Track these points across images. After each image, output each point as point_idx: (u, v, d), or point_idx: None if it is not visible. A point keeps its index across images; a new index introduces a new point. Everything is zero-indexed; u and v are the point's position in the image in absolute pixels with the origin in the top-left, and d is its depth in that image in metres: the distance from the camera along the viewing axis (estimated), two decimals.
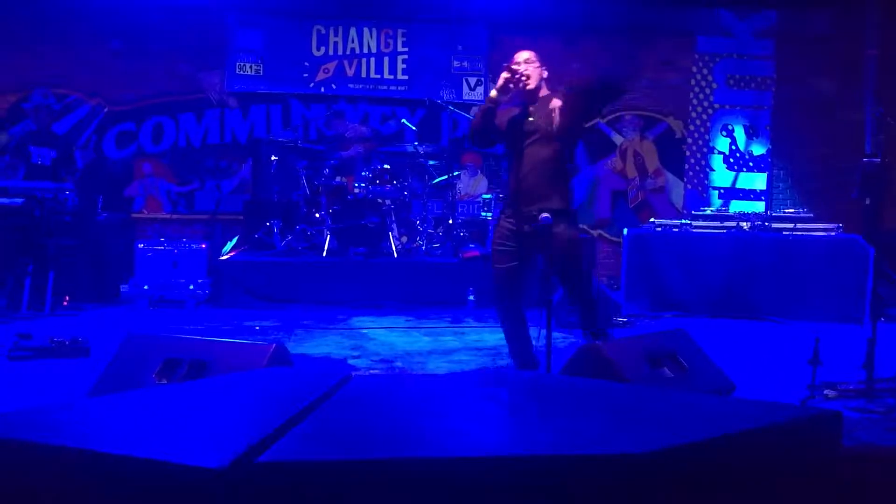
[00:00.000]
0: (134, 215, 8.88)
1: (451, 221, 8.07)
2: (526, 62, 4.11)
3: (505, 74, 4.00)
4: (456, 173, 8.41)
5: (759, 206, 9.15)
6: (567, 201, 4.04)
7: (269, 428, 1.73)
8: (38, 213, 6.55)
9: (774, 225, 6.98)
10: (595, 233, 9.45)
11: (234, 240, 8.13)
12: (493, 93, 4.03)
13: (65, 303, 6.57)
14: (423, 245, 7.77)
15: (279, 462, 1.53)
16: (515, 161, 4.06)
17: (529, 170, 4.00)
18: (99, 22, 8.78)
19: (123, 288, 7.15)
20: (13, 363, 4.48)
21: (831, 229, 6.87)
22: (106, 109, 8.98)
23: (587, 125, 4.24)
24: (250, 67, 9.18)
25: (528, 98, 4.13)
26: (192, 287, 6.99)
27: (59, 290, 6.49)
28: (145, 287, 6.96)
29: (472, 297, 6.95)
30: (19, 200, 6.55)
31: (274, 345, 3.19)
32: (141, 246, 7.19)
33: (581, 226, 9.27)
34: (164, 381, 3.12)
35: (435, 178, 8.19)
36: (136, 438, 1.78)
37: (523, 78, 4.01)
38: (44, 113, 8.86)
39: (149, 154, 9.13)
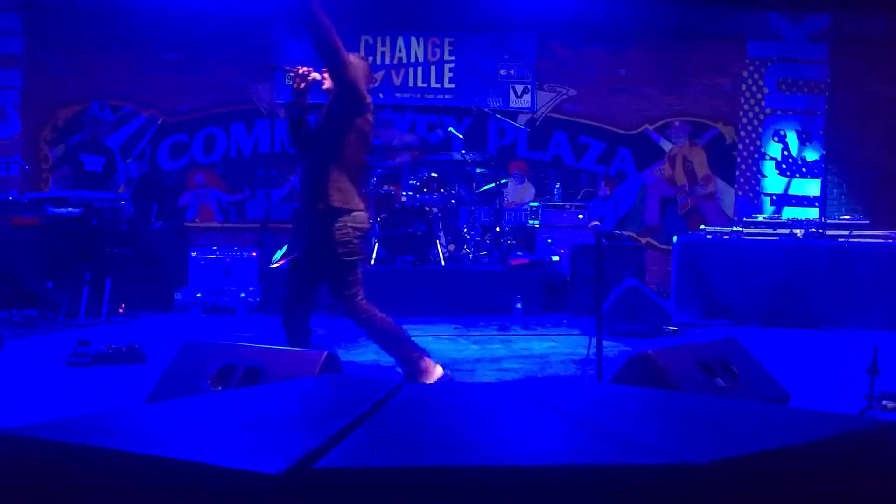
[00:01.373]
0: (187, 224, 9.06)
1: (498, 229, 8.07)
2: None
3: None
4: (503, 181, 8.42)
5: (812, 213, 9.00)
6: (327, 199, 3.83)
7: (325, 434, 1.75)
8: (95, 223, 6.72)
9: (829, 232, 6.84)
10: (643, 240, 9.36)
11: (284, 248, 8.23)
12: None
13: (121, 310, 6.73)
14: (470, 253, 7.79)
15: (336, 468, 1.54)
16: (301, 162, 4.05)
17: (303, 169, 3.99)
18: (154, 35, 9.01)
19: (177, 295, 7.30)
20: (72, 369, 4.59)
21: (888, 236, 6.71)
22: (160, 120, 9.19)
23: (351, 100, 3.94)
24: None
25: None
26: (243, 294, 7.11)
27: (116, 297, 6.65)
28: (198, 294, 7.10)
29: (519, 305, 6.93)
30: (77, 210, 6.73)
31: (325, 352, 3.22)
32: (194, 254, 7.34)
33: (628, 233, 9.23)
34: (219, 388, 3.17)
35: (482, 186, 8.21)
36: (194, 443, 1.81)
37: (308, 77, 3.91)
38: (98, 123, 9.10)
39: (201, 164, 9.31)
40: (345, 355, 5.07)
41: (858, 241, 6.71)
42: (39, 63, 8.93)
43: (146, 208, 7.99)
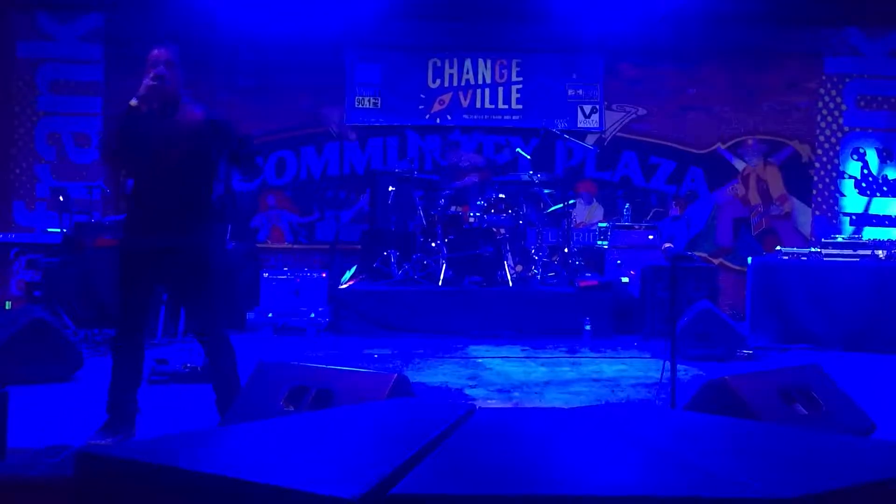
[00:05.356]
0: (259, 245, 9.23)
1: (566, 250, 8.01)
2: (168, 65, 3.74)
3: (150, 83, 3.64)
4: (571, 202, 8.36)
5: (895, 233, 8.66)
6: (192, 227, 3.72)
7: (399, 460, 1.75)
8: None
9: None
10: (716, 261, 9.15)
11: (353, 269, 8.33)
12: (134, 102, 3.64)
13: None
14: (538, 274, 7.74)
15: (412, 495, 1.54)
16: (149, 177, 3.70)
17: (164, 188, 3.65)
18: (230, 63, 9.26)
19: (249, 315, 7.44)
20: (151, 387, 4.72)
21: None
22: None
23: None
24: (368, 101, 9.44)
25: (166, 106, 3.75)
26: (312, 315, 7.20)
27: None
28: (269, 315, 7.22)
29: (588, 327, 6.84)
30: None
31: (396, 374, 3.23)
32: (265, 275, 7.47)
33: (700, 254, 9.04)
34: (292, 408, 3.21)
35: (550, 207, 8.16)
36: (272, 466, 1.83)
37: (165, 85, 3.69)
38: None
39: (273, 186, 9.50)
40: (413, 377, 5.08)
41: None
42: (119, 90, 9.24)
43: (220, 229, 8.17)
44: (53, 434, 3.61)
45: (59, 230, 7.61)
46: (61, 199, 7.69)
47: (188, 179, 3.68)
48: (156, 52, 3.75)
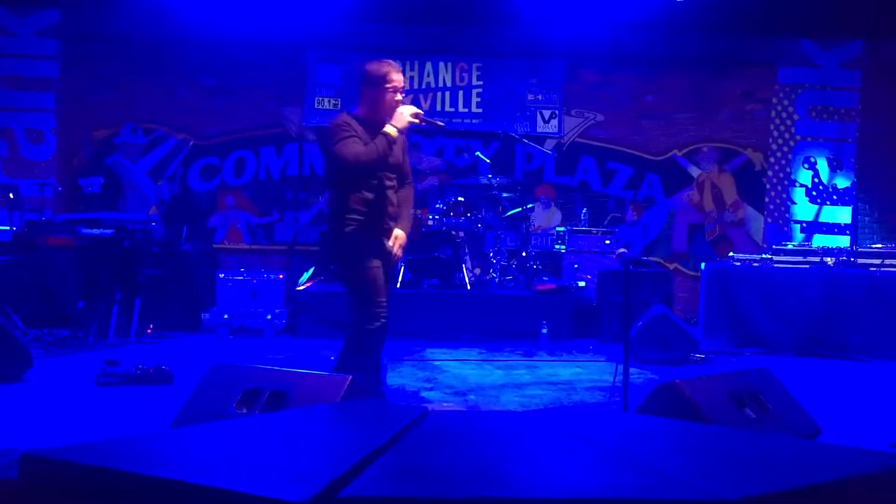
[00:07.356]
0: (216, 246, 9.13)
1: (524, 254, 8.06)
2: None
3: (414, 119, 4.08)
4: (530, 206, 8.41)
5: (843, 241, 8.87)
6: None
7: (350, 462, 1.75)
8: (126, 244, 6.80)
9: (860, 260, 6.74)
10: (671, 266, 9.28)
11: (311, 270, 8.27)
12: (394, 132, 4.04)
13: (149, 330, 6.79)
14: (496, 277, 7.77)
15: (362, 497, 1.54)
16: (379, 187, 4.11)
17: (388, 195, 4.16)
18: (190, 61, 9.16)
19: (205, 316, 7.35)
20: (101, 389, 4.64)
21: None
22: (191, 143, 9.30)
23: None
24: (328, 102, 9.40)
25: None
26: (269, 316, 7.14)
27: (145, 317, 6.71)
28: (225, 316, 7.15)
29: (545, 331, 6.90)
30: (109, 231, 6.81)
31: (350, 377, 3.22)
32: (222, 276, 7.38)
33: (656, 259, 9.16)
34: (245, 411, 3.18)
35: (509, 211, 8.20)
36: (220, 469, 1.82)
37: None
38: (127, 146, 9.22)
39: (231, 187, 9.40)
40: None
41: (891, 270, 6.60)
42: (75, 87, 9.09)
43: (177, 230, 8.07)
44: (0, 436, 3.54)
45: (9, 228, 7.44)
46: (12, 196, 7.53)
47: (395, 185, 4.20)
48: (399, 74, 4.25)
